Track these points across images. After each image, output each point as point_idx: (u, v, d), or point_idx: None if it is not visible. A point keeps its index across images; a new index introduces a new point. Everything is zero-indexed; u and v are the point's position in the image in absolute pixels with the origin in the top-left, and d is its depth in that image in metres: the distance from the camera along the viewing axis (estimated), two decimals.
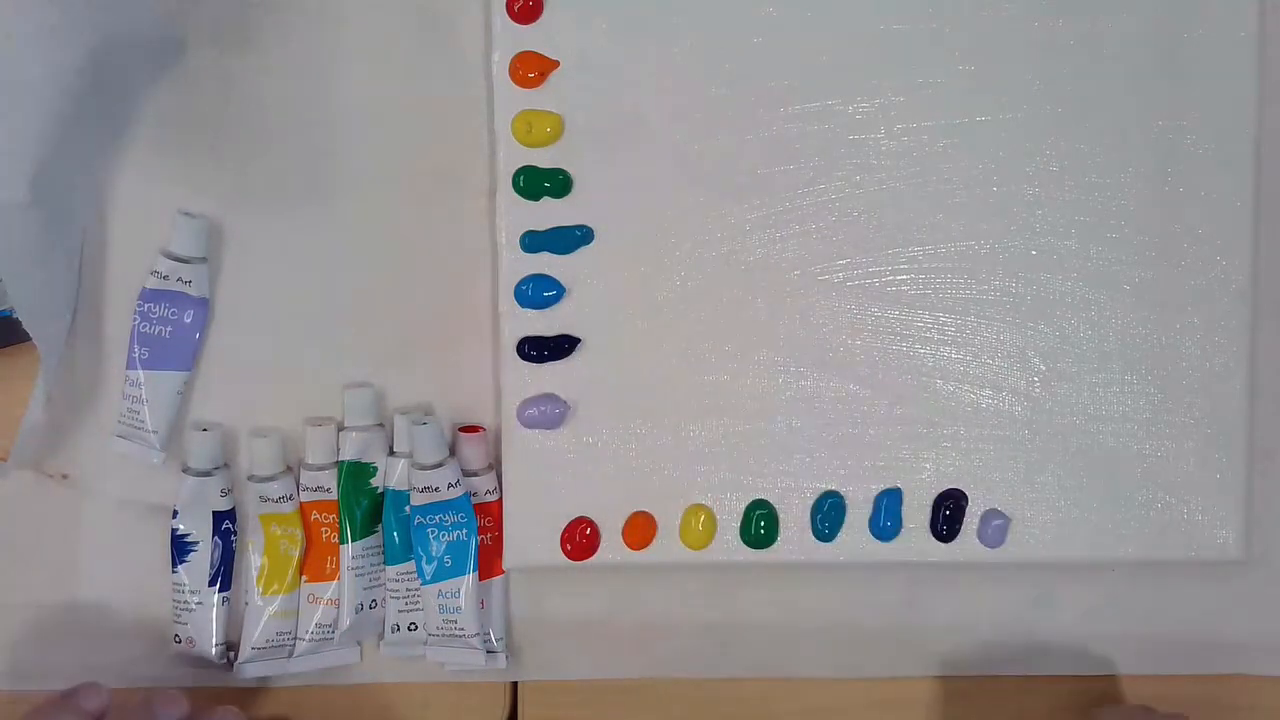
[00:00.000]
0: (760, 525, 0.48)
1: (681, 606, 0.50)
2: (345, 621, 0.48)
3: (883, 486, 0.49)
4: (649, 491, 0.48)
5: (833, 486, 0.48)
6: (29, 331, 0.45)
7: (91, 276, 0.48)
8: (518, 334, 0.48)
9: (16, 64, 0.42)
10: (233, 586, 0.49)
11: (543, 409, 0.48)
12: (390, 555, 0.49)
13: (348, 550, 0.48)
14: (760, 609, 0.50)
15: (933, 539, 0.49)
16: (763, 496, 0.48)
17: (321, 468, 0.48)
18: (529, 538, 0.48)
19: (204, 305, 0.48)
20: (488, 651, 0.49)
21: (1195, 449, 0.49)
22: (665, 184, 0.48)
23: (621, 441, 0.48)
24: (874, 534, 0.49)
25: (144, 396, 0.47)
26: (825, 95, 0.48)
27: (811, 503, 0.48)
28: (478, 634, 0.48)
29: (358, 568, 0.48)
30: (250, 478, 0.48)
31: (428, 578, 0.48)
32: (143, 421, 0.47)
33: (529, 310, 0.48)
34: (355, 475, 0.48)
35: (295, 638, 0.49)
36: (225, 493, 0.48)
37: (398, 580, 0.49)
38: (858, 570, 0.49)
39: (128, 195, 0.48)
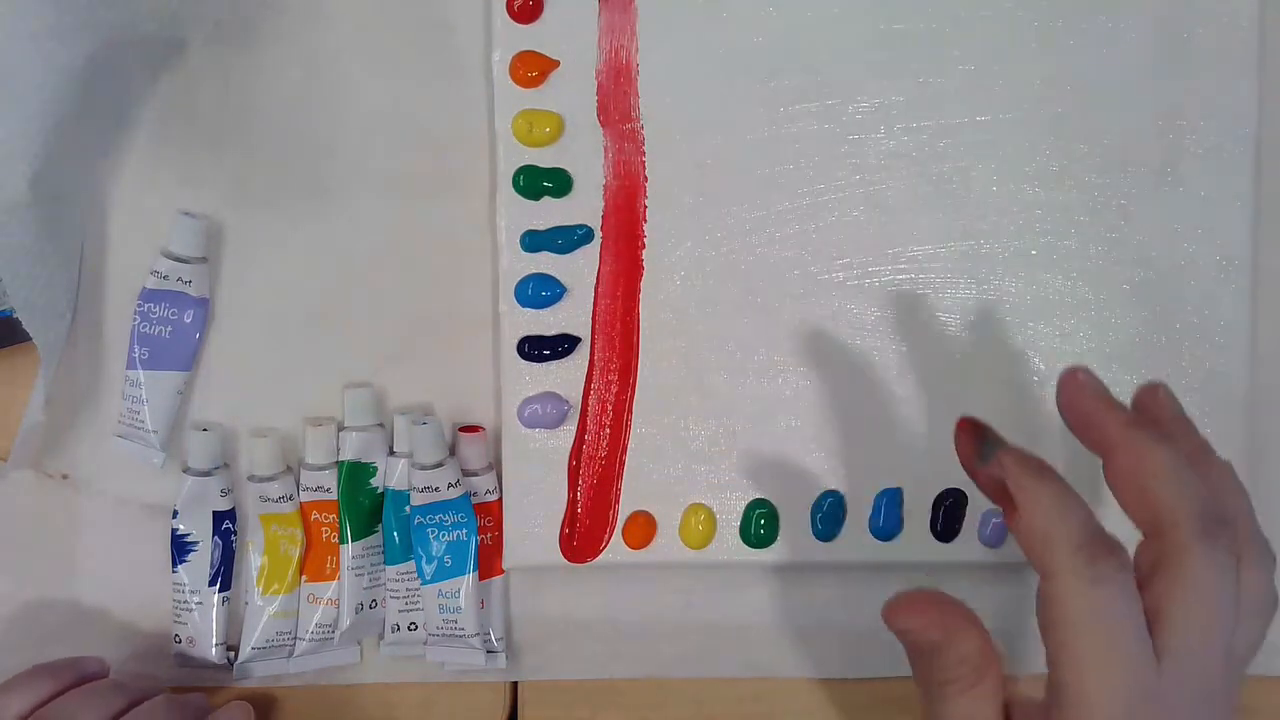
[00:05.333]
0: (760, 525, 0.48)
1: (681, 606, 0.50)
2: (345, 621, 0.48)
3: (882, 486, 0.49)
4: (649, 491, 0.48)
5: (833, 486, 0.48)
6: (29, 331, 0.45)
7: (91, 276, 0.48)
8: (518, 334, 0.48)
9: (16, 64, 0.42)
10: (233, 586, 0.49)
11: (543, 408, 0.48)
12: (390, 555, 0.49)
13: (348, 550, 0.48)
14: (760, 609, 0.50)
15: (933, 539, 0.49)
16: (763, 496, 0.48)
17: (321, 468, 0.48)
18: (529, 538, 0.48)
19: (204, 305, 0.48)
20: (488, 651, 0.49)
21: None
22: (665, 184, 0.48)
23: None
24: (874, 534, 0.49)
25: (144, 396, 0.47)
26: (825, 95, 0.48)
27: (811, 503, 0.49)
28: (478, 634, 0.48)
29: (358, 568, 0.48)
30: (250, 478, 0.48)
31: (428, 578, 0.48)
32: (143, 421, 0.47)
33: (529, 310, 0.48)
34: (355, 475, 0.48)
35: (295, 638, 0.49)
36: (225, 493, 0.48)
37: (398, 580, 0.49)
38: (858, 570, 0.49)
39: (128, 195, 0.48)
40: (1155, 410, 0.40)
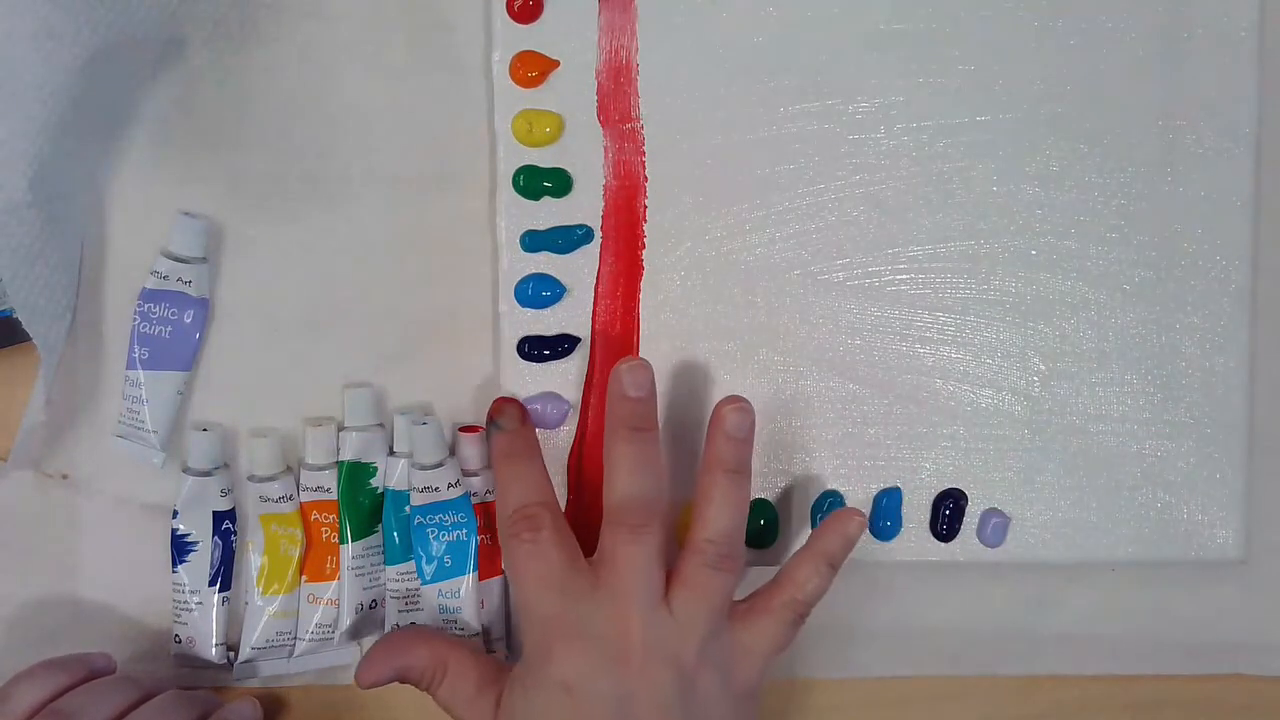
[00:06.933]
0: (760, 525, 0.48)
1: None
2: (345, 621, 0.48)
3: (882, 486, 0.49)
4: None
5: (833, 486, 0.48)
6: (29, 331, 0.45)
7: (91, 276, 0.48)
8: (518, 334, 0.48)
9: (16, 64, 0.42)
10: (233, 586, 0.49)
11: (543, 408, 0.48)
12: (390, 555, 0.49)
13: (348, 550, 0.48)
14: None
15: (932, 538, 0.49)
16: (763, 496, 0.48)
17: (321, 468, 0.48)
18: None
19: (204, 305, 0.48)
20: (488, 651, 0.49)
21: (1195, 449, 0.49)
22: (665, 184, 0.48)
23: None
24: (874, 534, 0.49)
25: (144, 396, 0.47)
26: (825, 95, 0.48)
27: (811, 503, 0.49)
28: (478, 634, 0.48)
29: (358, 568, 0.48)
30: (250, 478, 0.48)
31: (428, 578, 0.48)
32: (143, 421, 0.47)
33: (529, 310, 0.48)
34: (355, 475, 0.48)
35: (295, 638, 0.49)
36: (225, 493, 0.48)
37: (398, 580, 0.49)
38: (857, 570, 0.49)
39: (128, 195, 0.48)
40: (713, 419, 0.45)
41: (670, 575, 0.44)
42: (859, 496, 0.48)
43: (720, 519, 0.44)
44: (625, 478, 0.44)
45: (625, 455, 0.44)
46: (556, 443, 0.48)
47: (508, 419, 0.46)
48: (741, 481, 0.45)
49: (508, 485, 0.46)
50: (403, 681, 0.45)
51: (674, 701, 0.42)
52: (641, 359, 0.45)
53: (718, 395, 0.48)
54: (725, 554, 0.44)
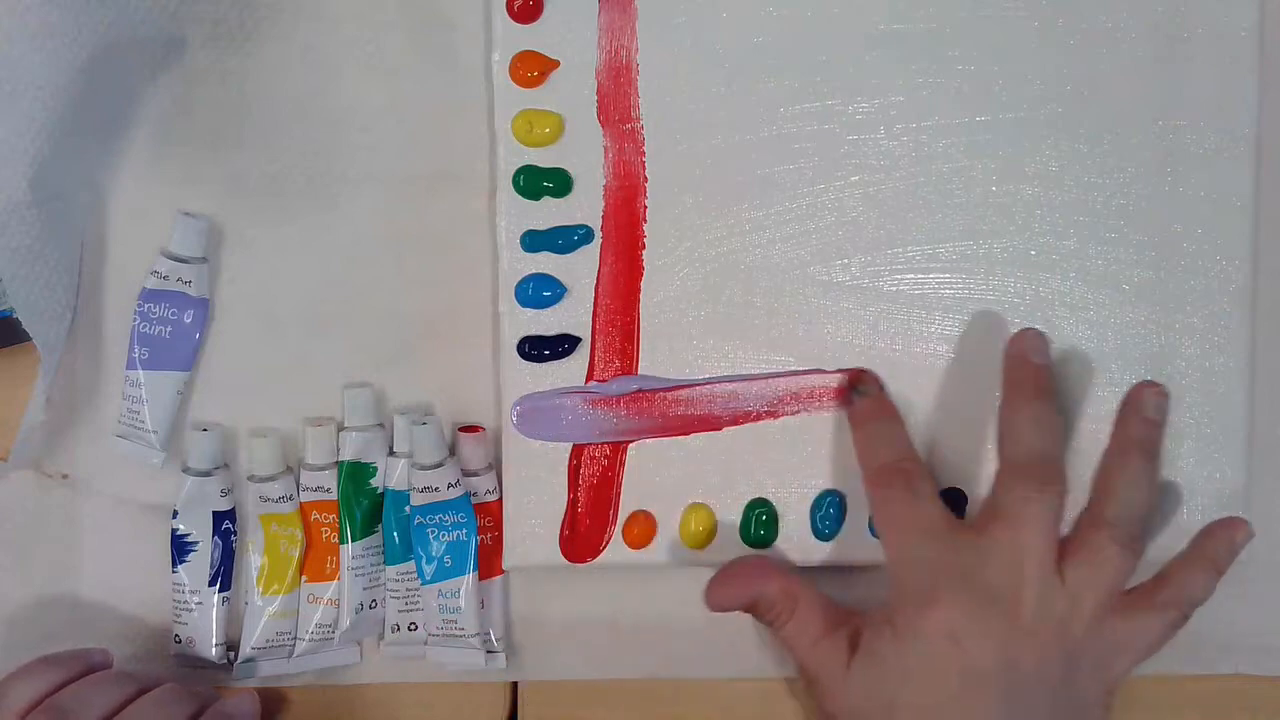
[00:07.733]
0: (760, 525, 0.48)
1: (681, 606, 0.50)
2: (345, 621, 0.48)
3: None
4: (649, 491, 0.48)
5: (833, 486, 0.48)
6: (29, 331, 0.45)
7: (91, 276, 0.48)
8: (518, 334, 0.48)
9: (16, 64, 0.42)
10: (233, 586, 0.49)
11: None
12: (390, 555, 0.49)
13: (348, 550, 0.48)
14: None
15: None
16: (763, 496, 0.48)
17: (321, 468, 0.48)
18: (529, 538, 0.48)
19: (204, 305, 0.48)
20: (488, 651, 0.49)
21: (1195, 449, 0.49)
22: (665, 184, 0.48)
23: None
24: (874, 534, 0.48)
25: (144, 396, 0.47)
26: (825, 95, 0.48)
27: (811, 503, 0.49)
28: (478, 634, 0.48)
29: (358, 568, 0.48)
30: (250, 478, 0.48)
31: (428, 578, 0.48)
32: (143, 421, 0.47)
33: (529, 310, 0.48)
34: (355, 475, 0.48)
35: (295, 638, 0.49)
36: (225, 493, 0.48)
37: (398, 580, 0.49)
38: (858, 570, 0.49)
39: (128, 195, 0.48)
40: (1130, 401, 0.46)
41: (1063, 545, 0.43)
42: (859, 496, 0.48)
43: (1134, 500, 0.44)
44: (1033, 434, 0.44)
45: (1032, 416, 0.44)
46: (557, 443, 0.48)
47: (869, 384, 0.47)
48: (1155, 466, 0.45)
49: (876, 445, 0.46)
50: (748, 611, 0.45)
51: (1057, 672, 0.42)
52: (1039, 329, 0.46)
53: (717, 394, 0.48)
54: (1135, 535, 0.43)
